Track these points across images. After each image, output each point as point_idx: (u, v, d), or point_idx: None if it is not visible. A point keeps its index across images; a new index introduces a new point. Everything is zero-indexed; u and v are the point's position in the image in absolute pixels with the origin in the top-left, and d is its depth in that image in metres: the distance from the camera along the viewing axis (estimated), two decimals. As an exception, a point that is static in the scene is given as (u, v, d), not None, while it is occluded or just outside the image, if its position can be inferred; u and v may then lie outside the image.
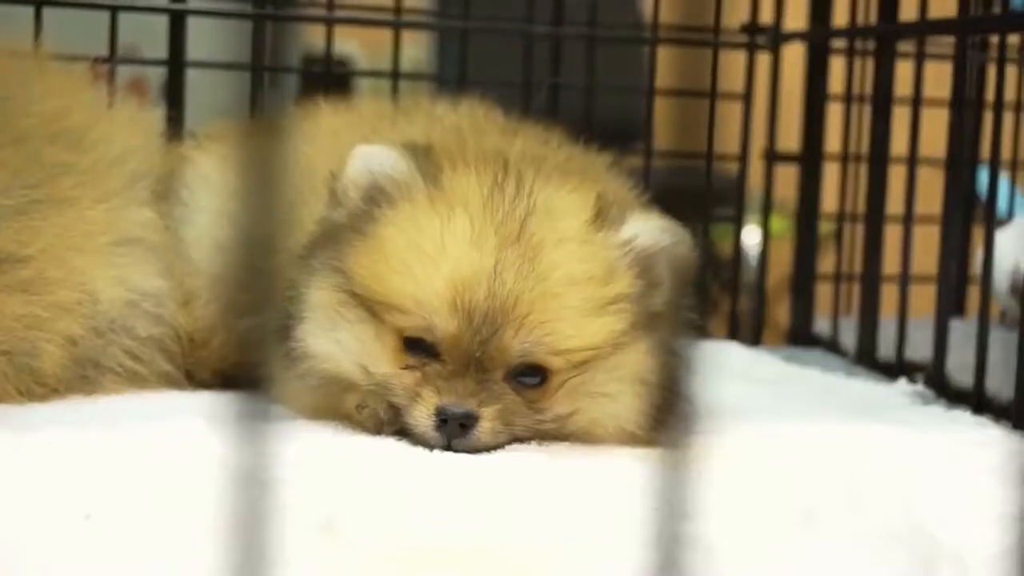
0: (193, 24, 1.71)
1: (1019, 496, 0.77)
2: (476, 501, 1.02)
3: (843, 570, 0.91)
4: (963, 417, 1.39)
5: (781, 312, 2.04)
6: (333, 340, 1.17)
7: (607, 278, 1.15)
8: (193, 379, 1.39)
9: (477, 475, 1.09)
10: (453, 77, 1.86)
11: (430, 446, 1.13)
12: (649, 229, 1.17)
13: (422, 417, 1.12)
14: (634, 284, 1.16)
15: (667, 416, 1.19)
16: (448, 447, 1.12)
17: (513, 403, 1.14)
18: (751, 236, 2.46)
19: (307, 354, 1.18)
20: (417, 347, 1.15)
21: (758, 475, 1.15)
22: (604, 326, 1.13)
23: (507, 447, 1.16)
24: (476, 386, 1.12)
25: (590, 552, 0.93)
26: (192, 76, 1.72)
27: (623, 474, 1.05)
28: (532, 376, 1.15)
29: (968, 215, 2.01)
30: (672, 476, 0.58)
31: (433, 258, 1.13)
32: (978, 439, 1.23)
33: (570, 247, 1.14)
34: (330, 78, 1.84)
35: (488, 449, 1.14)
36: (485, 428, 1.12)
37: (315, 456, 1.12)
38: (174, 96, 1.70)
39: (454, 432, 1.12)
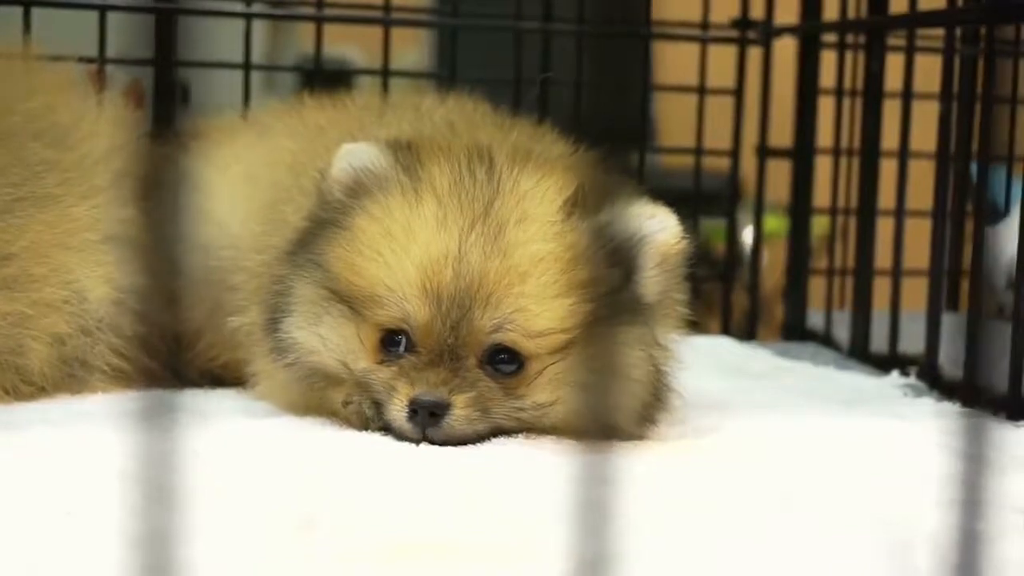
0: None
1: (1000, 484, 0.77)
2: (453, 495, 1.02)
3: (820, 553, 0.91)
4: (953, 409, 1.39)
5: (781, 310, 2.03)
6: (316, 335, 1.18)
7: (576, 261, 1.13)
8: (181, 378, 1.39)
9: (455, 469, 1.09)
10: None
11: (409, 439, 1.13)
12: (629, 216, 1.15)
13: (396, 410, 1.13)
14: (610, 271, 1.15)
15: (653, 412, 1.19)
16: (424, 438, 1.12)
17: (488, 390, 1.13)
18: (750, 235, 2.45)
19: (293, 347, 1.19)
20: (394, 342, 1.15)
21: (742, 464, 1.15)
22: (572, 308, 1.11)
23: (492, 440, 1.15)
24: (449, 375, 1.12)
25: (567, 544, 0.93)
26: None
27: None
28: (509, 363, 1.14)
29: (962, 208, 2.01)
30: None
31: (402, 243, 1.14)
32: (964, 429, 1.23)
33: (536, 227, 1.13)
34: (325, 78, 1.83)
35: (467, 439, 1.13)
36: (458, 416, 1.12)
37: (294, 452, 1.13)
38: (162, 96, 1.69)
39: (427, 422, 1.12)
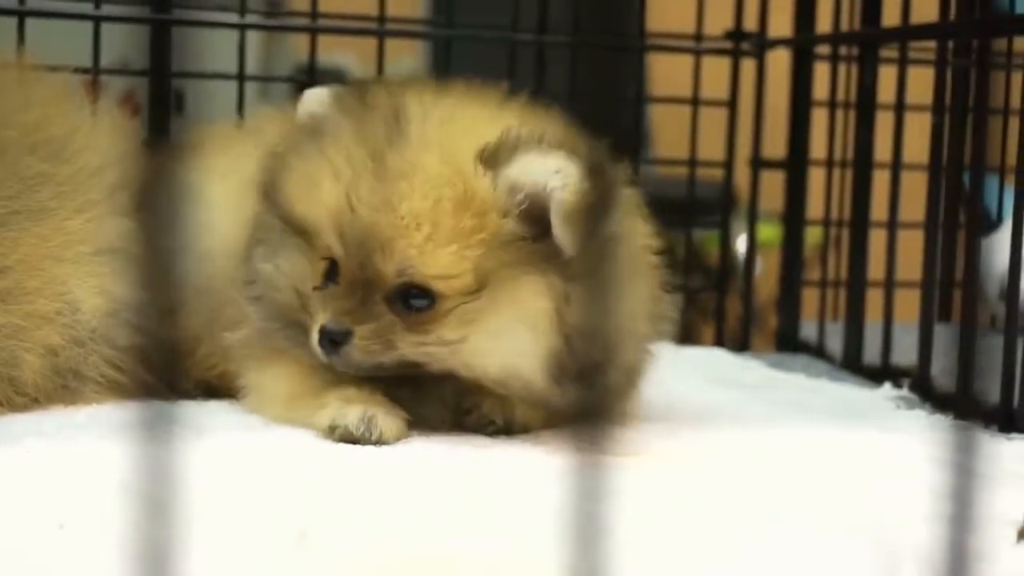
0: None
1: (991, 499, 0.77)
2: (448, 506, 1.02)
3: (811, 567, 0.91)
4: (945, 422, 1.39)
5: (775, 319, 2.04)
6: (274, 265, 1.26)
7: (469, 210, 1.15)
8: (175, 389, 1.38)
9: (449, 478, 1.10)
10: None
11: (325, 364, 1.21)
12: (535, 169, 1.15)
13: (314, 335, 1.19)
14: (513, 224, 1.16)
15: (570, 370, 1.18)
16: (333, 365, 1.20)
17: (391, 323, 1.18)
18: (744, 243, 2.46)
19: (257, 279, 1.27)
20: (332, 272, 1.21)
21: (733, 476, 1.15)
22: (463, 255, 1.15)
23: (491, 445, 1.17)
24: (357, 306, 1.18)
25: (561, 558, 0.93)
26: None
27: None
28: (420, 298, 1.17)
29: (955, 219, 2.01)
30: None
31: (315, 185, 1.20)
32: (956, 443, 1.23)
33: (426, 177, 1.16)
34: (320, 86, 1.83)
35: (366, 367, 1.19)
36: (357, 345, 1.18)
37: (289, 463, 1.13)
38: (158, 107, 1.69)
39: (329, 348, 1.18)
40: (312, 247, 1.22)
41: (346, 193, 1.17)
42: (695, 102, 1.98)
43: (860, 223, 1.77)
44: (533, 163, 1.16)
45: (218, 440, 1.17)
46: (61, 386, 1.30)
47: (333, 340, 1.18)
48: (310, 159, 1.22)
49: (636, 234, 1.28)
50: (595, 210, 1.15)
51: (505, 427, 1.25)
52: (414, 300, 1.17)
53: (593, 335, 1.15)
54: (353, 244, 1.17)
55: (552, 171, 1.14)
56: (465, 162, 1.17)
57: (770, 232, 2.26)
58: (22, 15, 1.62)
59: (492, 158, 1.17)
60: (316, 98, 1.27)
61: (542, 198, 1.14)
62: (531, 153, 1.16)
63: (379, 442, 1.19)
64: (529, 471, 1.13)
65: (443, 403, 1.27)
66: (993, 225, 1.98)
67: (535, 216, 1.16)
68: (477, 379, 1.21)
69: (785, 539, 0.96)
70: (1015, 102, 1.59)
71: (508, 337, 1.17)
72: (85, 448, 1.12)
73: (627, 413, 1.33)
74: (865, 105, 1.76)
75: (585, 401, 1.11)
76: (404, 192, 1.15)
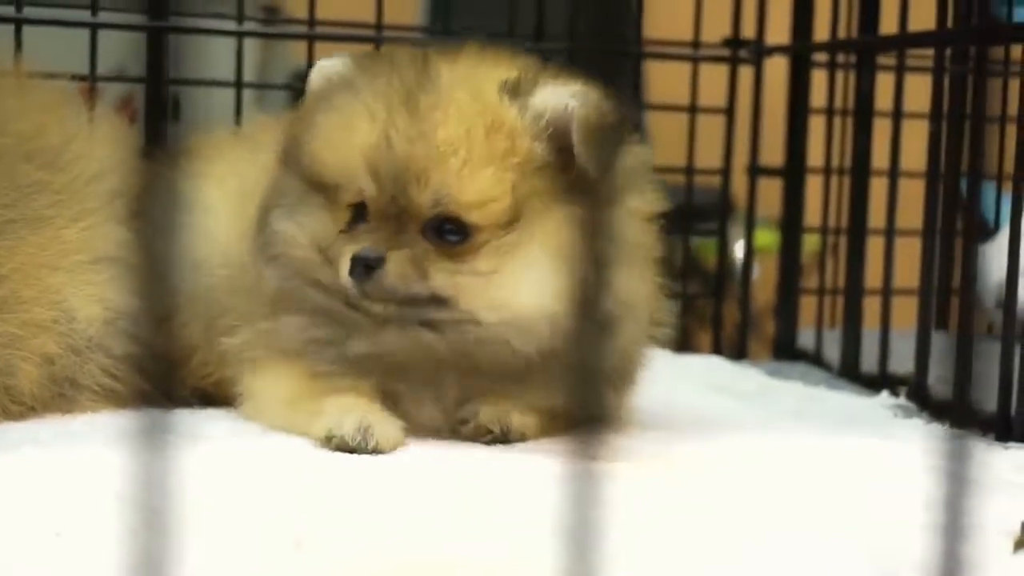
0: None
1: (987, 508, 0.77)
2: (445, 512, 1.03)
3: (804, 574, 0.92)
4: (942, 430, 1.39)
5: (772, 325, 2.04)
6: (295, 223, 1.27)
7: (500, 135, 1.20)
8: (171, 397, 1.38)
9: (447, 485, 1.10)
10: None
11: (354, 304, 1.22)
12: (558, 94, 1.21)
13: (343, 268, 1.20)
14: (541, 148, 1.21)
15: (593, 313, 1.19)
16: (364, 295, 1.20)
17: (425, 251, 1.20)
18: (741, 249, 2.46)
19: (275, 239, 1.28)
20: (358, 217, 1.23)
21: (728, 484, 1.15)
22: (497, 177, 1.19)
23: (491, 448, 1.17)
24: (392, 236, 1.20)
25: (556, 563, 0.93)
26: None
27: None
28: (455, 233, 1.20)
29: (952, 227, 2.01)
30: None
31: (352, 128, 1.23)
32: (952, 452, 1.23)
33: (458, 108, 1.21)
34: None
35: (400, 296, 1.19)
36: (391, 270, 1.19)
37: (286, 470, 1.13)
38: (154, 114, 1.69)
39: (362, 275, 1.19)
40: (335, 201, 1.24)
41: (383, 129, 1.20)
42: (693, 109, 1.98)
43: (858, 230, 1.77)
44: (554, 91, 1.22)
45: (214, 448, 1.18)
46: (57, 395, 1.30)
47: (368, 265, 1.19)
48: (342, 108, 1.25)
49: (639, 225, 1.31)
50: (613, 133, 1.23)
51: (502, 436, 1.25)
52: (449, 235, 1.20)
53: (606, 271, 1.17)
54: (388, 179, 1.20)
55: (571, 95, 1.20)
56: (492, 96, 1.22)
57: (768, 237, 2.26)
58: (19, 23, 1.62)
59: (516, 89, 1.22)
60: (334, 64, 1.31)
61: (565, 120, 1.19)
62: (551, 84, 1.23)
63: (375, 451, 1.19)
64: (525, 477, 1.13)
65: (441, 410, 1.27)
66: (990, 232, 1.99)
67: (561, 143, 1.20)
68: (501, 326, 1.21)
69: (781, 547, 0.96)
70: (1012, 109, 1.59)
71: (540, 268, 1.20)
72: (82, 456, 1.12)
73: (622, 413, 1.33)
74: (863, 112, 1.77)
75: (585, 396, 1.12)
76: (438, 122, 1.20)
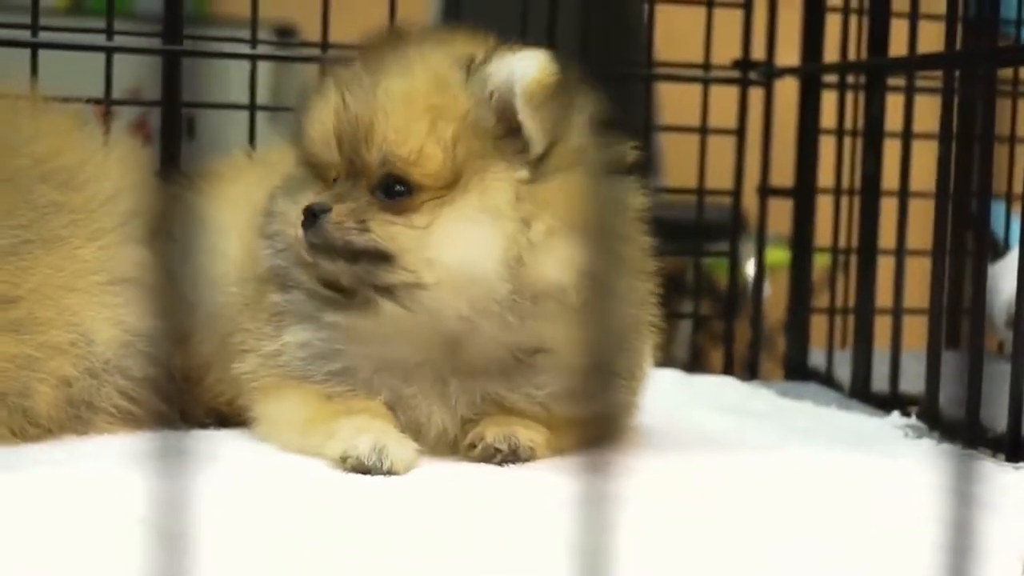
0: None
1: (997, 528, 0.78)
2: (457, 531, 1.03)
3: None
4: (953, 451, 1.39)
5: (784, 342, 2.04)
6: (292, 200, 1.32)
7: (443, 94, 1.25)
8: (187, 419, 1.39)
9: (458, 504, 1.11)
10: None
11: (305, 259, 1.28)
12: (507, 62, 1.25)
13: (299, 223, 1.27)
14: (485, 112, 1.24)
15: (531, 289, 1.24)
16: (312, 246, 1.26)
17: (368, 205, 1.26)
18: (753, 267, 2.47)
19: (275, 217, 1.34)
20: (334, 185, 1.29)
21: (738, 504, 1.16)
22: (435, 135, 1.24)
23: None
24: (345, 193, 1.27)
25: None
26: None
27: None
28: (402, 193, 1.25)
29: (962, 246, 2.01)
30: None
31: (323, 103, 1.30)
32: (963, 472, 1.24)
33: (408, 78, 1.27)
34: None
35: (340, 243, 1.25)
36: (332, 219, 1.25)
37: (300, 493, 1.14)
38: (169, 136, 1.70)
39: (309, 222, 1.25)
40: (325, 179, 1.30)
41: (342, 95, 1.28)
42: (704, 131, 1.99)
43: (868, 250, 1.78)
44: (503, 60, 1.25)
45: (229, 469, 1.18)
46: (74, 416, 1.31)
47: (313, 213, 1.25)
48: (325, 87, 1.33)
49: (636, 239, 1.34)
50: (558, 102, 1.24)
51: (511, 454, 1.26)
52: (396, 194, 1.25)
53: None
54: (346, 141, 1.27)
55: (518, 61, 1.24)
56: (444, 63, 1.27)
57: (779, 254, 2.27)
58: (35, 47, 1.64)
59: (469, 63, 1.26)
60: None
61: (508, 86, 1.23)
62: (504, 55, 1.26)
63: (390, 472, 1.20)
64: (538, 497, 1.13)
65: (451, 416, 1.28)
66: (1000, 252, 1.99)
67: (506, 114, 1.24)
68: (442, 289, 1.23)
69: (792, 567, 0.97)
70: (1021, 130, 1.60)
71: (471, 225, 1.23)
72: (97, 478, 1.13)
73: (629, 431, 1.34)
74: (872, 133, 1.77)
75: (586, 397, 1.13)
76: (387, 84, 1.26)
